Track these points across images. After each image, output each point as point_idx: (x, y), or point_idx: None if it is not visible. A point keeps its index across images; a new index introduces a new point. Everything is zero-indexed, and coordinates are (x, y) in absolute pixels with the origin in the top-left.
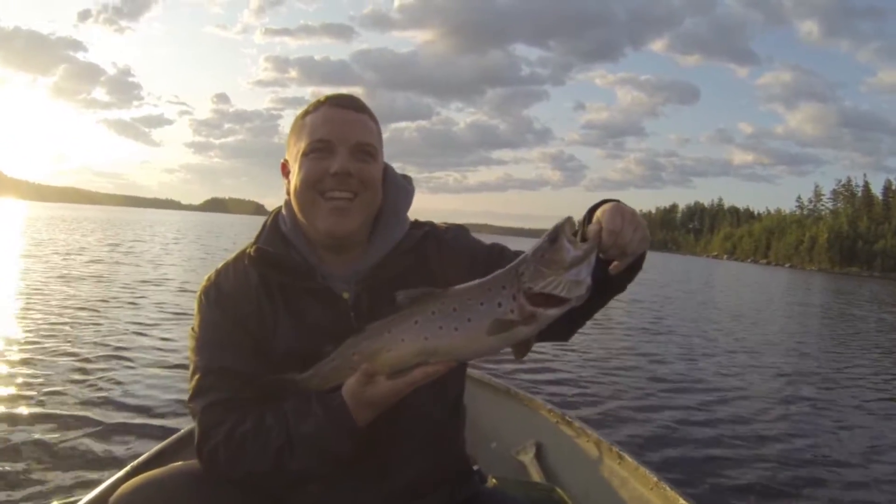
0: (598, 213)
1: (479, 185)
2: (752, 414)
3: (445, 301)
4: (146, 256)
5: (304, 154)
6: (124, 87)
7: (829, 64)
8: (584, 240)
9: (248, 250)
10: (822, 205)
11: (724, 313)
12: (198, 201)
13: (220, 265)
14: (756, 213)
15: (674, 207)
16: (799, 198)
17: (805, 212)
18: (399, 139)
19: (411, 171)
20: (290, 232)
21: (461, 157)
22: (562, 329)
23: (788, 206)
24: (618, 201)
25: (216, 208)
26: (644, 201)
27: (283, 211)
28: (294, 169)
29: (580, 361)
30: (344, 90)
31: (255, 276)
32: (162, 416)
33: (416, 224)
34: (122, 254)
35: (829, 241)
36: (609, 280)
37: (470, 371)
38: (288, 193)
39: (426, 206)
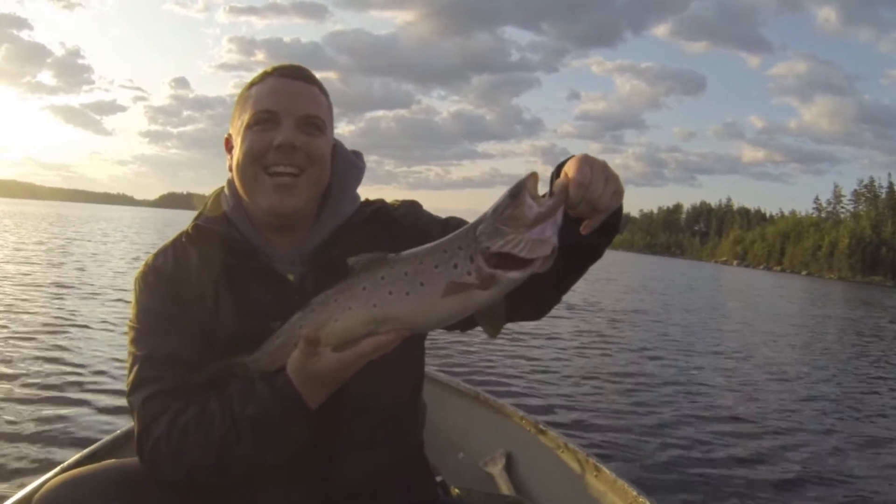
0: (566, 166)
1: (462, 180)
2: (754, 436)
3: (397, 265)
4: (74, 256)
5: (248, 126)
6: (73, 70)
7: (849, 54)
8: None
9: (187, 229)
10: (843, 207)
11: (735, 325)
12: (153, 196)
13: (157, 250)
14: (768, 214)
15: (677, 207)
16: (817, 199)
17: (823, 214)
18: (375, 129)
19: (388, 165)
20: (232, 211)
21: (443, 149)
22: (532, 304)
23: (803, 208)
24: (585, 154)
25: (174, 204)
26: (645, 200)
27: (226, 190)
28: (237, 143)
29: (561, 371)
30: (315, 75)
31: (196, 256)
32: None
33: (366, 202)
34: (44, 252)
35: (851, 247)
36: (581, 244)
37: (437, 374)
38: (230, 170)
39: None
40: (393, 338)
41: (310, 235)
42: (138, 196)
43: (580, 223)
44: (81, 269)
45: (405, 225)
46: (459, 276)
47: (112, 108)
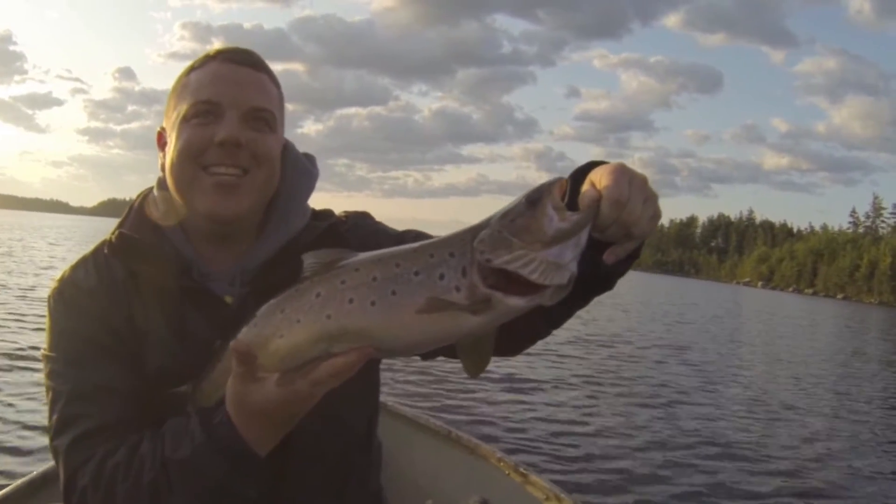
0: (595, 175)
1: (445, 187)
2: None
3: (364, 267)
4: None
5: (185, 119)
6: (3, 58)
7: (884, 50)
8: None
9: (109, 238)
10: (883, 221)
11: (763, 358)
12: (92, 203)
13: (74, 261)
14: (795, 229)
15: (692, 221)
16: (853, 212)
17: (861, 229)
18: (347, 129)
19: (361, 170)
20: (163, 218)
21: (424, 152)
22: (513, 337)
23: (833, 222)
24: (622, 163)
25: (115, 212)
26: None
27: (156, 191)
28: (171, 137)
29: (547, 408)
30: (279, 66)
31: (121, 271)
32: None
33: (318, 214)
34: None
35: (893, 268)
36: (595, 271)
37: (401, 409)
38: (163, 169)
39: (378, 213)
40: (355, 359)
41: (253, 251)
42: (74, 202)
43: (600, 247)
44: None
45: (349, 240)
46: (445, 290)
47: (47, 101)
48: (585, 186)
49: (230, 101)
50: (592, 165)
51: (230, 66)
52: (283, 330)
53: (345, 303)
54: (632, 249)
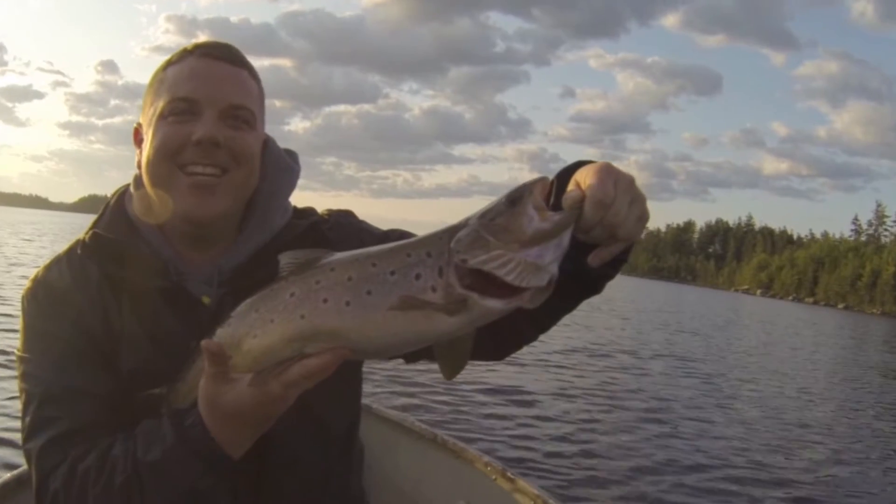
0: (580, 174)
1: (436, 188)
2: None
3: (340, 267)
4: None
5: (162, 116)
6: None
7: (887, 53)
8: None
9: (82, 237)
10: (886, 229)
11: (763, 371)
12: (72, 198)
13: (48, 260)
14: (795, 236)
15: (689, 226)
16: (856, 219)
17: (863, 237)
18: (335, 127)
19: (349, 169)
20: (138, 217)
21: (414, 151)
22: (497, 341)
23: (834, 229)
24: (608, 163)
25: (96, 208)
26: (650, 216)
27: (132, 189)
28: (148, 135)
29: (537, 412)
30: (267, 62)
31: (96, 271)
32: None
33: (300, 212)
34: None
35: None
36: (582, 274)
37: (385, 411)
38: (139, 167)
39: (366, 213)
40: (329, 360)
41: (231, 251)
42: (54, 198)
43: (586, 249)
44: None
45: (332, 240)
46: (420, 290)
47: (27, 94)
48: (570, 186)
49: (208, 98)
50: (580, 165)
51: (208, 62)
52: (256, 330)
53: (319, 303)
54: (618, 252)
